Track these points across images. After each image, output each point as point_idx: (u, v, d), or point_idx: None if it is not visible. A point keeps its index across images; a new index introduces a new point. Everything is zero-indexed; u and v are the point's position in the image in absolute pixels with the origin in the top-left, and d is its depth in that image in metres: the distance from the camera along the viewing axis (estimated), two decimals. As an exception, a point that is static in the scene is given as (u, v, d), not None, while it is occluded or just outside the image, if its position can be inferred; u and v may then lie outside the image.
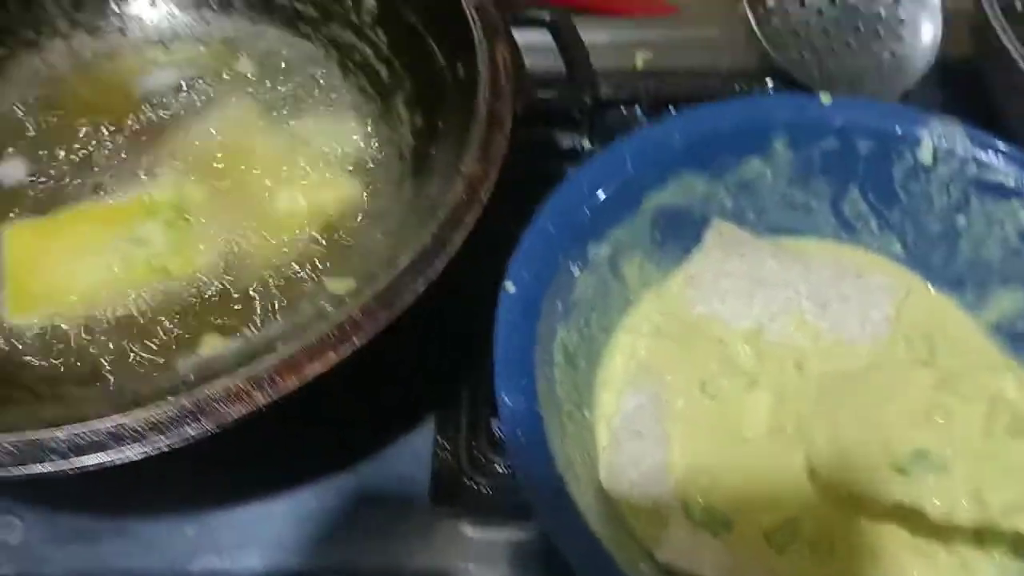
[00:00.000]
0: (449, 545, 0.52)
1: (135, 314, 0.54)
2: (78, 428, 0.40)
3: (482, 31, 0.55)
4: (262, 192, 0.59)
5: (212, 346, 0.53)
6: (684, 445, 0.47)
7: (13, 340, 0.53)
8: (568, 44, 0.60)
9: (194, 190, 0.59)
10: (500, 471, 0.53)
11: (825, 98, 0.53)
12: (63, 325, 0.54)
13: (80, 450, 0.40)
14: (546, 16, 0.61)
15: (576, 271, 0.49)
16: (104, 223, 0.57)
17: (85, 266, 0.55)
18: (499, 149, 0.50)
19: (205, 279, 0.56)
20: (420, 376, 0.56)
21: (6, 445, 0.40)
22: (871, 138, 0.52)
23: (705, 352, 0.51)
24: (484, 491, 0.52)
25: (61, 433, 0.40)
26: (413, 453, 0.54)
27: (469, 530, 0.52)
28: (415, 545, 0.52)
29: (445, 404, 0.55)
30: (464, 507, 0.52)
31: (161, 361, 0.52)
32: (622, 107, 0.70)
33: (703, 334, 0.52)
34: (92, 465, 0.40)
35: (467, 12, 0.56)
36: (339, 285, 0.54)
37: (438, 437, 0.54)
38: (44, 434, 0.40)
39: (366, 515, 0.52)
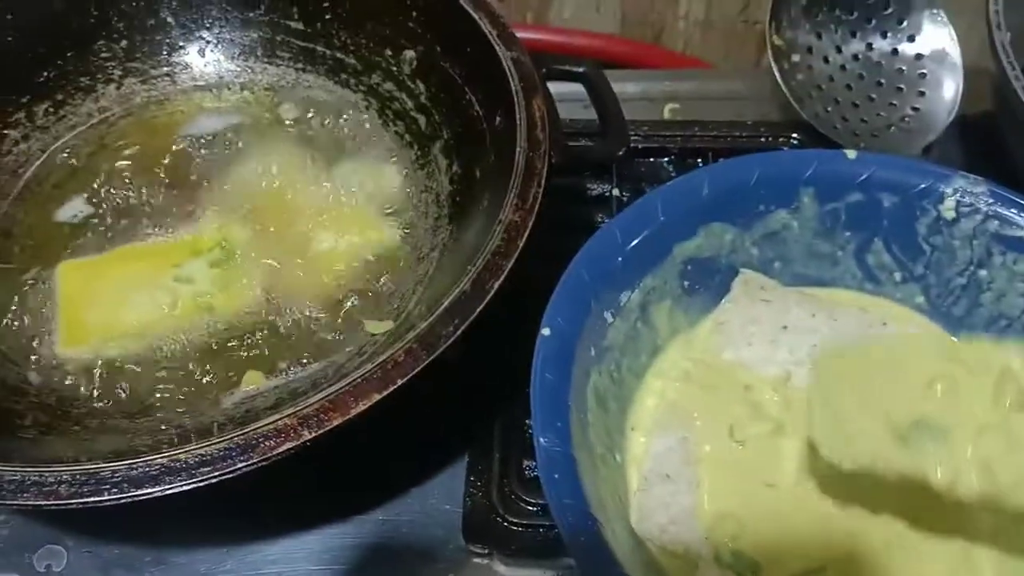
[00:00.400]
0: (481, 583, 0.53)
1: (181, 349, 0.56)
2: (133, 461, 0.42)
3: (519, 84, 0.57)
4: (303, 234, 0.62)
5: (254, 382, 0.54)
6: (713, 489, 0.49)
7: (64, 372, 0.55)
8: (601, 97, 0.62)
9: (238, 231, 0.62)
10: (532, 510, 0.54)
11: (850, 153, 0.55)
12: (112, 359, 0.56)
13: (135, 482, 0.41)
14: (579, 69, 0.64)
15: (609, 317, 0.51)
16: (152, 261, 0.60)
17: (134, 302, 0.58)
18: (535, 198, 0.52)
19: (248, 317, 0.58)
20: (453, 415, 0.58)
21: (65, 476, 0.41)
22: (895, 193, 0.54)
23: (733, 398, 0.52)
24: (516, 530, 0.53)
25: (117, 466, 0.42)
26: (446, 491, 0.55)
27: (501, 568, 0.53)
28: (448, 582, 0.53)
29: (477, 443, 0.57)
30: (496, 545, 0.53)
31: (205, 396, 0.54)
32: (650, 156, 0.72)
33: (731, 380, 0.53)
34: (144, 496, 0.42)
35: (505, 65, 0.58)
36: (377, 326, 0.56)
37: (470, 476, 0.55)
38: (101, 466, 0.42)
39: (400, 552, 0.54)
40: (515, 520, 0.53)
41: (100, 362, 0.55)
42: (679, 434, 0.51)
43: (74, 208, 0.63)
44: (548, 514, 0.53)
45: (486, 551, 0.53)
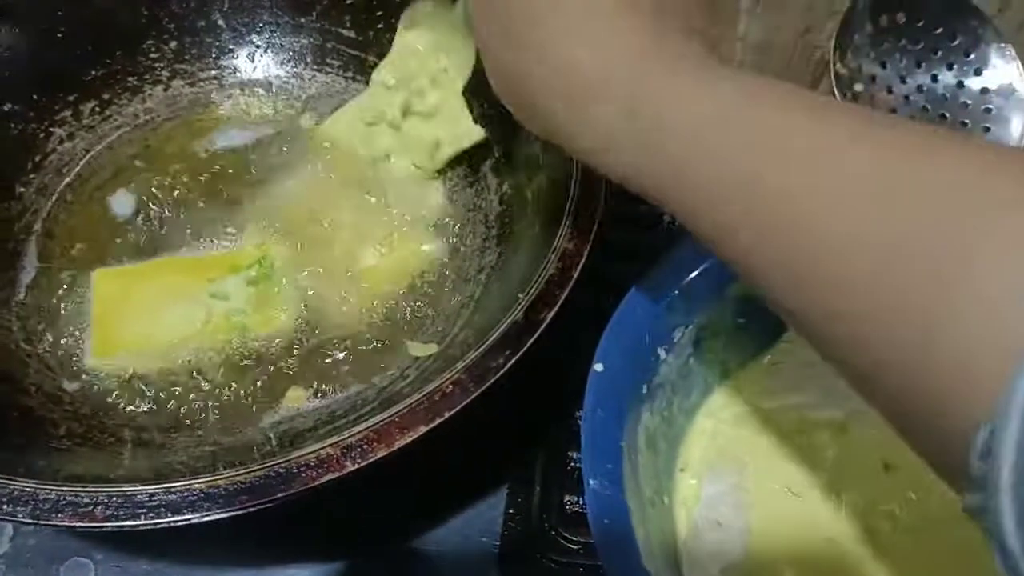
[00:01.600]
0: (517, 620, 0.51)
1: (219, 365, 0.55)
2: (171, 485, 0.40)
3: (576, 106, 0.55)
4: (345, 252, 0.60)
5: (293, 402, 0.53)
6: (766, 539, 0.47)
7: (100, 382, 0.54)
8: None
9: (278, 246, 0.60)
10: (572, 548, 0.52)
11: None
12: (148, 371, 0.54)
13: (172, 508, 0.40)
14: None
15: (661, 354, 0.49)
16: (188, 274, 0.58)
17: (169, 315, 0.56)
18: (591, 226, 0.50)
19: (287, 335, 0.56)
20: (494, 444, 0.56)
21: (101, 497, 0.40)
22: (965, 236, 0.52)
23: (786, 443, 0.50)
24: (554, 567, 0.52)
25: (155, 489, 0.40)
26: (484, 523, 0.54)
27: (537, 607, 0.51)
28: (483, 618, 0.51)
29: (518, 474, 0.55)
30: (533, 582, 0.51)
31: (243, 413, 0.53)
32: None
33: (784, 425, 0.51)
34: (181, 522, 0.40)
35: (562, 86, 0.56)
36: (421, 349, 0.54)
37: (509, 508, 0.54)
38: (138, 489, 0.40)
39: (434, 584, 0.52)
40: (554, 557, 0.52)
41: (137, 373, 0.54)
42: (730, 479, 0.49)
43: (116, 211, 0.62)
44: (589, 553, 0.52)
45: (522, 588, 0.52)
